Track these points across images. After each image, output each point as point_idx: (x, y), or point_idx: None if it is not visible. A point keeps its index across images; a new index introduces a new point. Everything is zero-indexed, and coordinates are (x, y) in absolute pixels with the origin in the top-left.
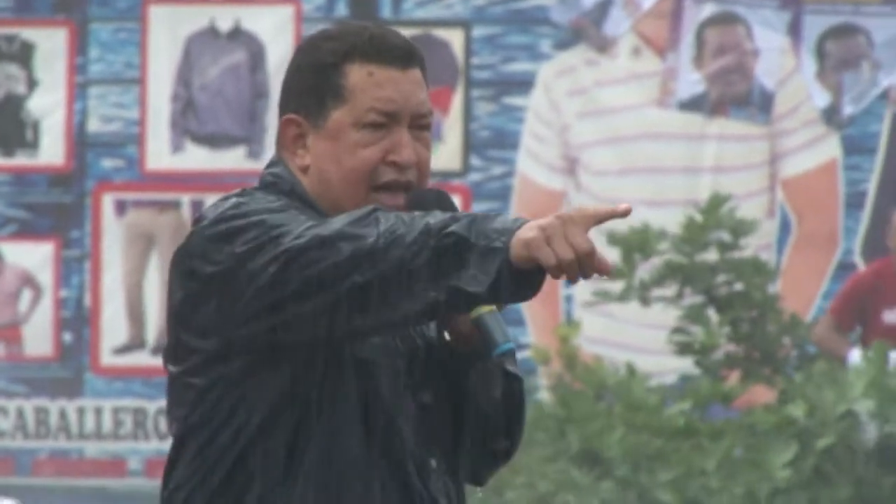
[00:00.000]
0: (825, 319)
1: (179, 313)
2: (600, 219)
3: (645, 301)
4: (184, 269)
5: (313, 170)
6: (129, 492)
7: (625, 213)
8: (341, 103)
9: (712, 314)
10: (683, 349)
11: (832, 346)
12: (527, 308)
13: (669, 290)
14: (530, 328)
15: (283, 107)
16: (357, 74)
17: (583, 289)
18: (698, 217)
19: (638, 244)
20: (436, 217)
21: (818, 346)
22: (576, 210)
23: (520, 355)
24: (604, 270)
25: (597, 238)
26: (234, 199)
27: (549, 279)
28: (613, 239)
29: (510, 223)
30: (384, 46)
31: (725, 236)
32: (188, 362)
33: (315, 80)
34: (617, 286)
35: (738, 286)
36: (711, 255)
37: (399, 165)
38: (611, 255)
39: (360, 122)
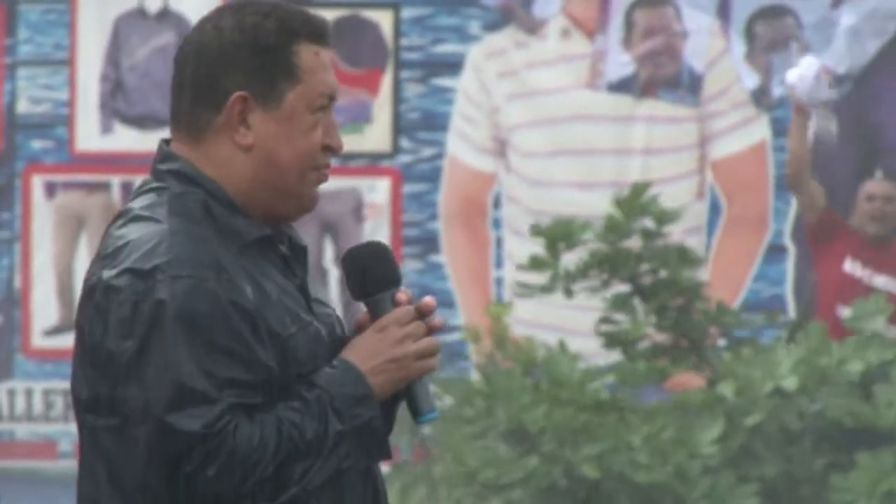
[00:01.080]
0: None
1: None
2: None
3: (569, 292)
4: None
5: (257, 150)
6: (60, 474)
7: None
8: (295, 83)
9: (638, 304)
10: (610, 340)
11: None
12: (458, 290)
13: (595, 279)
14: (461, 310)
15: (220, 85)
16: (306, 54)
17: (513, 272)
18: (617, 214)
19: (562, 234)
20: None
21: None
22: (388, 318)
23: (450, 336)
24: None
25: (525, 219)
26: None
27: (481, 261)
28: (536, 231)
29: (357, 388)
30: (320, 26)
31: (649, 224)
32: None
33: (264, 58)
34: (541, 278)
35: (664, 274)
36: (636, 244)
37: (332, 149)
38: (534, 246)
39: (313, 105)
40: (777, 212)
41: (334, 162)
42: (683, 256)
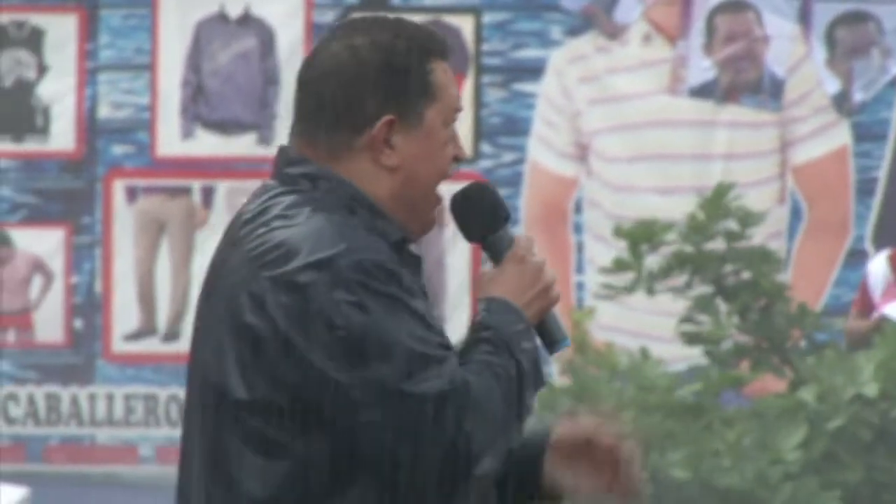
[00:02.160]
0: (852, 314)
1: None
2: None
3: (652, 292)
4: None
5: (401, 170)
6: (140, 478)
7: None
8: (432, 101)
9: (721, 304)
10: (692, 339)
11: (865, 332)
12: None
13: (678, 280)
14: None
15: (362, 107)
16: (438, 71)
17: (594, 277)
18: (699, 214)
19: (645, 236)
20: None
21: (850, 340)
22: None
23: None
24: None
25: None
26: (341, 248)
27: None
28: (620, 232)
29: (518, 323)
30: (445, 42)
31: (733, 226)
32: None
33: (404, 78)
34: (625, 278)
35: (747, 275)
36: (719, 245)
37: (459, 160)
38: (617, 247)
39: (448, 121)
40: (858, 217)
41: None
42: (766, 258)
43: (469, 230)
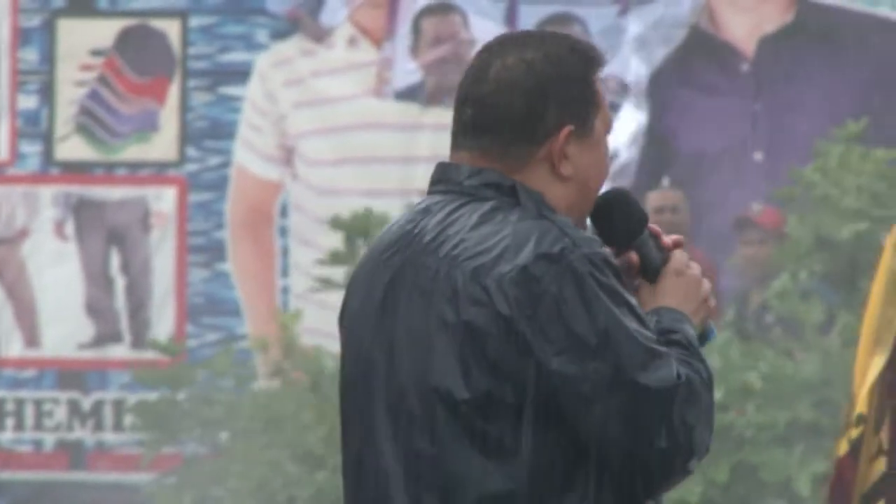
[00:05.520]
0: None
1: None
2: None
3: None
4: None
5: (575, 179)
6: None
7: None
8: (597, 111)
9: None
10: None
11: None
12: (244, 299)
13: None
14: (247, 319)
15: (542, 119)
16: (598, 82)
17: (299, 280)
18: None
19: (360, 228)
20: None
21: None
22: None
23: (238, 345)
24: None
25: (312, 227)
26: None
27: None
28: (336, 224)
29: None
30: (602, 54)
31: None
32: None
33: (578, 90)
34: (338, 273)
35: None
36: None
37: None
38: (329, 243)
39: (608, 130)
40: None
41: (121, 171)
42: None
43: (616, 236)
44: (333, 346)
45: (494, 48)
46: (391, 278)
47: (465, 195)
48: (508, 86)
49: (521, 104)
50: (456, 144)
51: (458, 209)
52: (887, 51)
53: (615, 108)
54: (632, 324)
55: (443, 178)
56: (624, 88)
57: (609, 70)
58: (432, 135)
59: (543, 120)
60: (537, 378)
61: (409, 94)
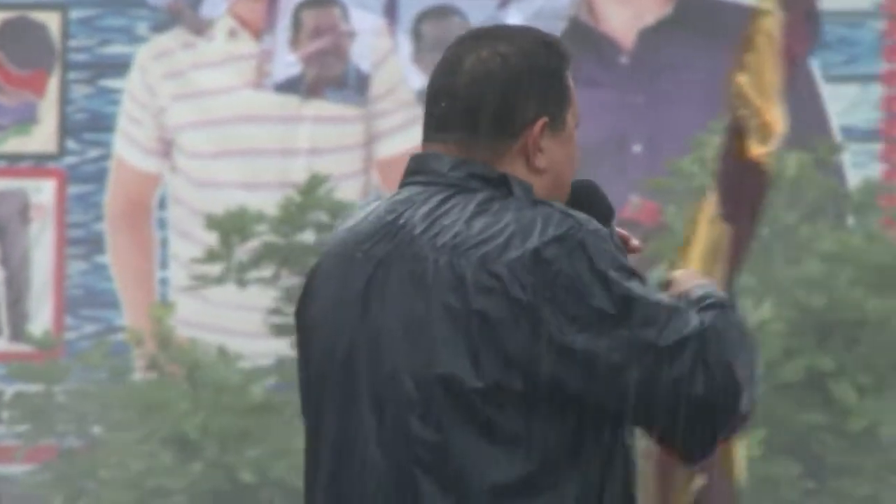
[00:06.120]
0: None
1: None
2: None
3: (242, 283)
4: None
5: (548, 173)
6: None
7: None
8: (569, 105)
9: None
10: (280, 331)
11: None
12: (122, 291)
13: (267, 271)
14: (125, 310)
15: (517, 112)
16: (569, 76)
17: (178, 272)
18: (297, 198)
19: (235, 226)
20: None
21: None
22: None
23: (114, 337)
24: None
25: (191, 220)
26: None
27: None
28: (211, 222)
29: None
30: (570, 48)
31: (323, 217)
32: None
33: (551, 83)
34: (214, 269)
35: None
36: (309, 237)
37: None
38: (207, 236)
39: (576, 124)
40: None
41: (0, 164)
42: None
43: None
44: (211, 337)
45: (467, 42)
46: (374, 269)
47: (451, 186)
48: (483, 79)
49: (496, 98)
50: (428, 138)
51: (448, 200)
52: None
53: None
54: (644, 289)
55: (422, 168)
56: None
57: None
58: (312, 127)
59: (518, 113)
60: (555, 361)
61: (288, 87)
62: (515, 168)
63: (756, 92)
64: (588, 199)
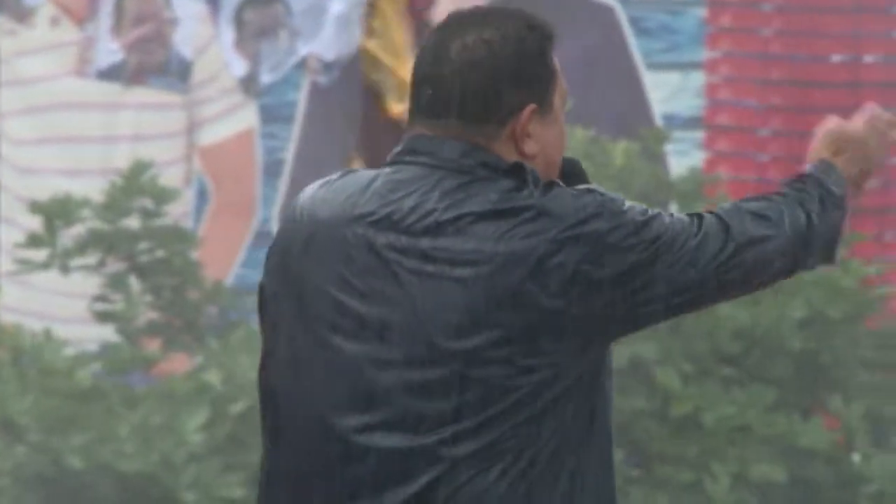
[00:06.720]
0: None
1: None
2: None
3: (66, 269)
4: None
5: (539, 156)
6: None
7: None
8: (555, 87)
9: (134, 282)
10: (104, 318)
11: None
12: None
13: (92, 258)
14: None
15: (504, 99)
16: (553, 56)
17: (3, 259)
18: (119, 182)
19: (59, 212)
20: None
21: None
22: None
23: None
24: None
25: (15, 207)
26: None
27: None
28: (35, 207)
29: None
30: (554, 28)
31: (148, 204)
32: None
33: (537, 68)
34: (39, 255)
35: (160, 253)
36: (134, 223)
37: None
38: (32, 223)
39: (564, 105)
40: (265, 198)
41: None
42: (180, 237)
43: None
44: (35, 323)
45: (452, 27)
46: (382, 250)
47: (463, 173)
48: (470, 66)
49: (482, 85)
50: (417, 121)
51: (465, 186)
52: (593, 31)
53: (318, 87)
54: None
55: (423, 150)
56: (326, 67)
57: (310, 49)
58: (134, 114)
59: (506, 100)
60: (612, 311)
61: (111, 74)
62: (505, 154)
63: (386, 53)
64: (573, 179)
